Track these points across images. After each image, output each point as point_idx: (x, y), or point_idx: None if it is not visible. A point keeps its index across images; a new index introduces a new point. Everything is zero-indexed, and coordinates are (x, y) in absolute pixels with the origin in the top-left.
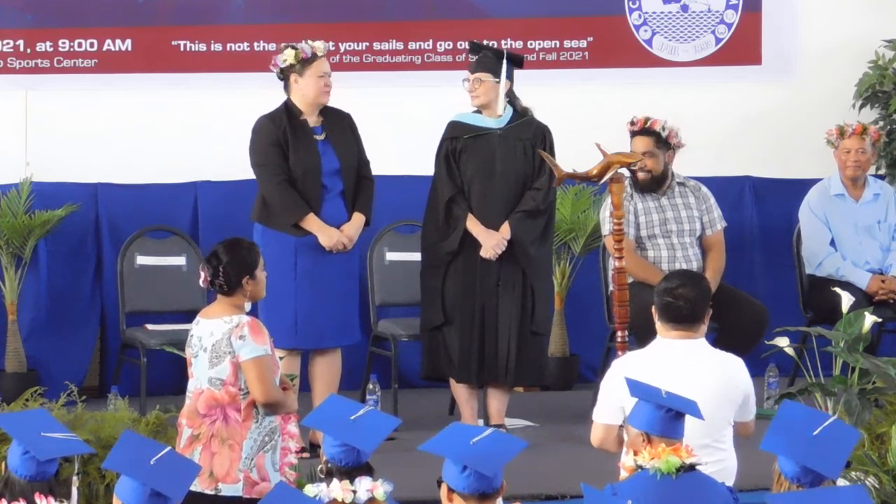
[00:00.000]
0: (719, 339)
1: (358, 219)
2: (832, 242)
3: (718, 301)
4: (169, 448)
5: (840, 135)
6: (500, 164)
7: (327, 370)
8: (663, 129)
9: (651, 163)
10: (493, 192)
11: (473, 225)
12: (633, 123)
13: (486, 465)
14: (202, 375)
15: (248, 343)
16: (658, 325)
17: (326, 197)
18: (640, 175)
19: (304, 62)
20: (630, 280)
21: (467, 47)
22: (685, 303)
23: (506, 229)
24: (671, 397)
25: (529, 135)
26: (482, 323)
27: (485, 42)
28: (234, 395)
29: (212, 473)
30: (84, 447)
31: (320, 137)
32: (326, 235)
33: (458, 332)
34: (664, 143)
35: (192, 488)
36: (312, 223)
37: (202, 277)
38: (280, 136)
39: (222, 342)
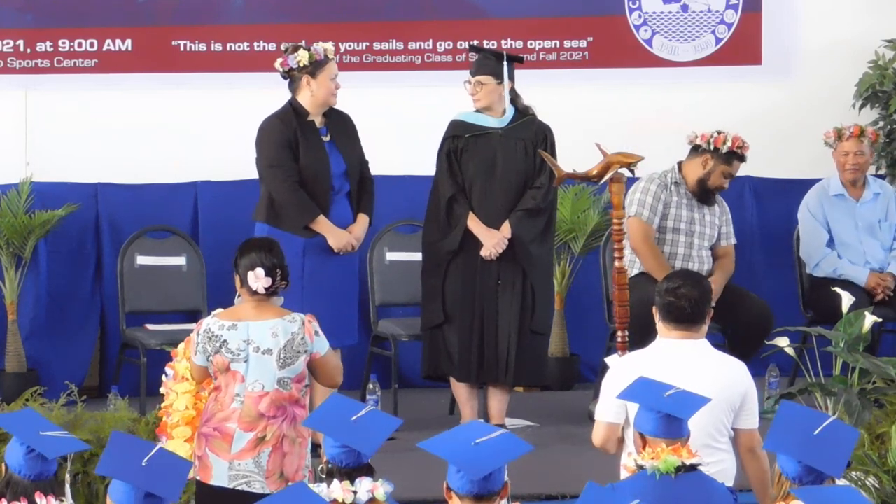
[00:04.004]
0: (728, 341)
1: (363, 219)
2: (830, 243)
3: (724, 301)
4: (159, 447)
5: (838, 137)
6: (501, 163)
7: None
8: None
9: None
10: (494, 191)
11: (474, 224)
12: (739, 140)
13: (475, 467)
14: (266, 378)
15: (321, 338)
16: (659, 324)
17: (334, 198)
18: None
19: (318, 64)
20: (632, 274)
21: (467, 48)
22: (688, 303)
23: (506, 228)
24: (674, 396)
25: (531, 134)
26: (482, 322)
27: (484, 42)
28: (300, 391)
29: (282, 474)
30: (80, 444)
31: (326, 139)
32: (336, 237)
33: (458, 330)
34: None
35: (261, 491)
36: (323, 225)
37: (267, 283)
38: (291, 137)
39: (295, 341)
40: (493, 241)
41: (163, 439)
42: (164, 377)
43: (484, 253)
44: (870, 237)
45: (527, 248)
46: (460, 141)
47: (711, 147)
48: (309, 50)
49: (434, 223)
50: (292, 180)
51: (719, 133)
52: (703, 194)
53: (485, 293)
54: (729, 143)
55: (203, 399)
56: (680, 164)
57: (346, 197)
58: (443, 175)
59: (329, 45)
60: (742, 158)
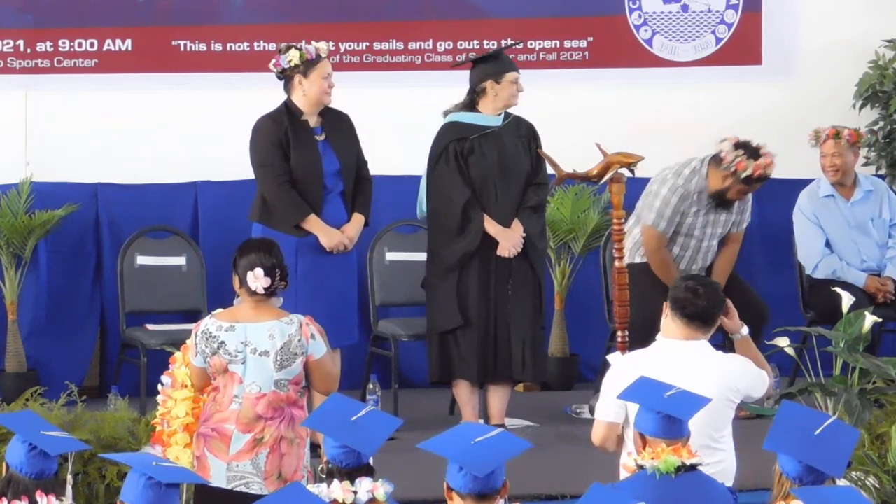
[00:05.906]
0: (725, 339)
1: (358, 219)
2: (827, 244)
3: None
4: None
5: (816, 139)
6: (507, 161)
7: None
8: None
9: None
10: (506, 189)
11: (490, 224)
12: (762, 168)
13: (479, 465)
14: (263, 379)
15: (318, 341)
16: (666, 321)
17: (327, 198)
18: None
19: (309, 63)
20: (634, 261)
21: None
22: (706, 302)
23: (519, 226)
24: (675, 396)
25: (524, 132)
26: (496, 322)
27: (484, 42)
28: (297, 393)
29: (280, 475)
30: (80, 444)
31: (320, 138)
32: (328, 236)
33: (476, 332)
34: None
35: (259, 492)
36: (314, 224)
37: (266, 283)
38: (282, 136)
39: (292, 343)
40: (512, 240)
41: (157, 448)
42: (160, 386)
43: (501, 252)
44: (863, 236)
45: (535, 244)
46: (466, 142)
47: (732, 169)
48: (300, 49)
49: (441, 228)
50: (282, 179)
51: (743, 153)
52: (722, 203)
53: (498, 293)
54: (749, 171)
55: (203, 402)
56: (709, 162)
57: (339, 196)
58: (453, 179)
59: (322, 45)
60: (763, 179)
